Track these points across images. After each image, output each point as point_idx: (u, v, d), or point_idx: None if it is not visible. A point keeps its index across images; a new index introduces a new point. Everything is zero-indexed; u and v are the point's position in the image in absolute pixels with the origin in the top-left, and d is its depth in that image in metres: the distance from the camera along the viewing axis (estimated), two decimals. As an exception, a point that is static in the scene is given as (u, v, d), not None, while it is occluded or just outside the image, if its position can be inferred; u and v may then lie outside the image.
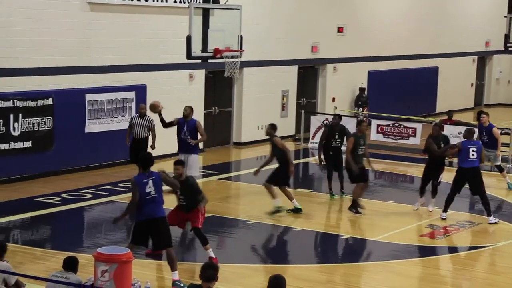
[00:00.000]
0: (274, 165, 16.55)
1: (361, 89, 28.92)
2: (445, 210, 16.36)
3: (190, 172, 15.64)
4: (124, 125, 19.81)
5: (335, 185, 17.94)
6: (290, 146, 25.40)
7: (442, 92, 33.92)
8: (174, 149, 17.37)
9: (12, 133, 18.14)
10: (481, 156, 16.08)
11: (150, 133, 18.71)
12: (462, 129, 22.33)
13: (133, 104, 20.59)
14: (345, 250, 14.83)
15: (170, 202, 13.14)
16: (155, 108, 17.28)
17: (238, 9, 17.33)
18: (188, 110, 16.95)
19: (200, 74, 23.02)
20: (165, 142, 19.26)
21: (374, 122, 24.34)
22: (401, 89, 31.16)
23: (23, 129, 18.32)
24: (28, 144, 18.47)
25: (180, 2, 21.69)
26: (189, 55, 16.43)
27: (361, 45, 29.14)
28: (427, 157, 17.10)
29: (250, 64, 23.97)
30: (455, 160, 18.88)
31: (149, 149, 17.85)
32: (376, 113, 26.44)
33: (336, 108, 26.65)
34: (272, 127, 16.51)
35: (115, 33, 20.36)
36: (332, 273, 13.21)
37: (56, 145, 19.16)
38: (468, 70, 36.61)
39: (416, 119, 26.68)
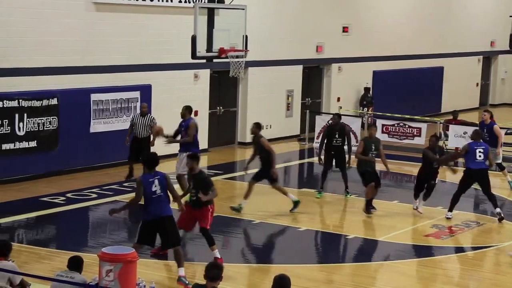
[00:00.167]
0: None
1: (366, 89, 28.90)
2: (450, 210, 16.35)
3: (184, 170, 15.51)
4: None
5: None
6: (295, 146, 25.46)
7: (447, 92, 33.88)
8: (176, 149, 17.36)
9: (17, 132, 18.16)
10: (489, 159, 16.07)
11: (152, 132, 18.76)
12: (468, 129, 22.44)
13: (138, 104, 20.57)
14: (349, 250, 14.81)
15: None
16: (158, 133, 17.27)
17: (243, 9, 17.33)
18: (183, 110, 16.90)
19: (205, 74, 23.02)
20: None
21: (379, 122, 24.32)
22: (406, 89, 31.11)
23: (28, 128, 18.34)
24: (33, 143, 18.49)
25: (185, 2, 21.69)
26: (194, 55, 16.43)
27: (366, 45, 29.11)
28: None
29: (255, 64, 23.97)
30: (459, 160, 18.90)
31: (152, 149, 17.81)
32: (381, 113, 26.43)
33: (341, 108, 26.64)
34: (257, 126, 16.50)
35: (120, 33, 20.38)
36: (337, 273, 13.20)
37: (61, 145, 19.17)
38: (473, 70, 36.55)
39: (421, 119, 26.65)
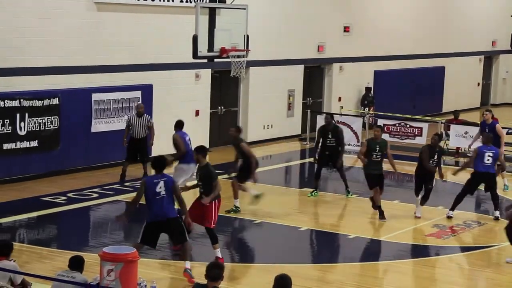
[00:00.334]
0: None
1: (367, 89, 28.89)
2: (452, 209, 16.34)
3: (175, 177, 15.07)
4: (131, 125, 19.83)
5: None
6: (296, 145, 25.45)
7: (448, 91, 33.86)
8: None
9: (19, 132, 18.16)
10: (500, 161, 16.07)
11: (149, 132, 18.75)
12: (469, 128, 22.43)
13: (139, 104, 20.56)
14: (350, 250, 14.79)
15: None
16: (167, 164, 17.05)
17: (245, 9, 17.32)
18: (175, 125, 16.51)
19: (206, 74, 23.02)
20: (166, 142, 19.20)
21: (380, 122, 24.29)
22: (407, 89, 31.11)
23: (29, 128, 18.34)
24: (34, 143, 18.49)
25: (187, 1, 21.68)
26: (195, 55, 16.43)
27: (367, 44, 29.10)
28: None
29: (256, 63, 23.96)
30: (459, 160, 18.91)
31: (152, 150, 17.77)
32: (382, 113, 26.41)
33: (342, 107, 26.64)
34: (237, 130, 16.54)
35: (121, 33, 20.37)
36: (338, 272, 13.20)
37: (62, 144, 19.17)
38: (475, 70, 36.54)
39: (422, 118, 26.63)
